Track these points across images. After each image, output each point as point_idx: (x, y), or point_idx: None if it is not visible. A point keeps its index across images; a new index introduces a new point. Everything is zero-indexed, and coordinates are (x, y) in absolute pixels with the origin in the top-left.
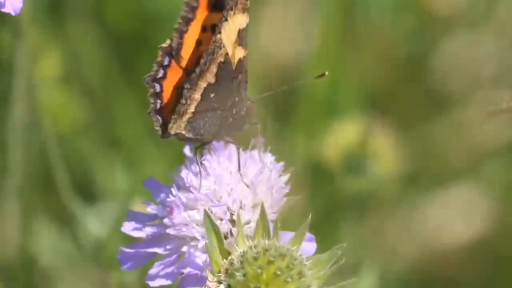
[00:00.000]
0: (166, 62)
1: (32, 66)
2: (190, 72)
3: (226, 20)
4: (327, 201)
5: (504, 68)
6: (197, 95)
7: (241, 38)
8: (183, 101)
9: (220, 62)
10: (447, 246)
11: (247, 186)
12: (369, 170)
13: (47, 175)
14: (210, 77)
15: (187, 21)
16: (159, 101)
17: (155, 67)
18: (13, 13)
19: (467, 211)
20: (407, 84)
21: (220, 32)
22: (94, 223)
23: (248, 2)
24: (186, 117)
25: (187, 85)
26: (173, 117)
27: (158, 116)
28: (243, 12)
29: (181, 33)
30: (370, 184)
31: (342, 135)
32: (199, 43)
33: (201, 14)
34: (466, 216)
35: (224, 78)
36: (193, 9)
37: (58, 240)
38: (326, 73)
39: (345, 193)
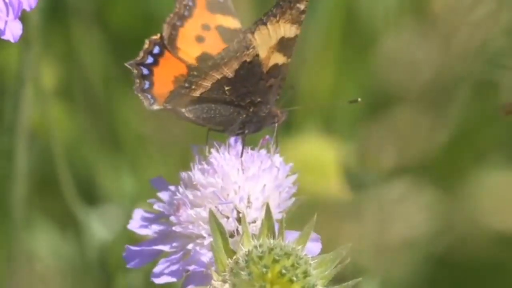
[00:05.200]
0: (156, 51)
1: (38, 74)
2: (194, 67)
3: (265, 24)
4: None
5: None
6: (206, 83)
7: (284, 46)
8: (186, 85)
9: (245, 61)
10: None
11: (242, 172)
12: (369, 181)
13: (51, 180)
14: (227, 71)
15: (182, 17)
16: (147, 82)
17: (141, 54)
18: (12, 40)
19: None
20: (410, 88)
21: (253, 33)
22: (97, 227)
23: (303, 16)
24: (188, 99)
25: (193, 72)
26: (172, 94)
27: (145, 94)
28: (292, 23)
29: (175, 26)
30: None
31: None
32: (200, 39)
33: (200, 13)
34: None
35: (248, 76)
36: (189, 8)
37: (61, 244)
38: (359, 99)
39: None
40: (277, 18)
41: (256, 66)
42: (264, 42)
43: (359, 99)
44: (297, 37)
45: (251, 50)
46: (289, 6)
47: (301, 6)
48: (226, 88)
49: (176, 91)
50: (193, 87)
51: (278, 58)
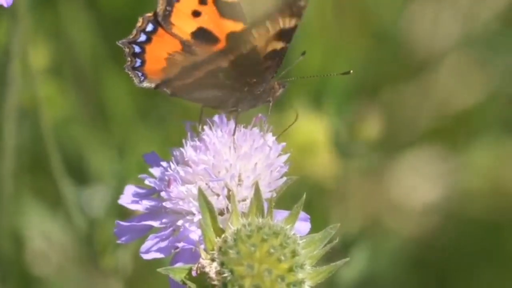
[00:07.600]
0: (150, 28)
1: (27, 51)
2: (189, 43)
3: (263, 23)
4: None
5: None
6: (199, 73)
7: (283, 35)
8: (179, 75)
9: (242, 53)
10: (414, 207)
11: (234, 149)
12: (359, 150)
13: (40, 159)
14: (221, 63)
15: None
16: (138, 60)
17: (133, 32)
18: (5, 5)
19: (432, 173)
20: (385, 53)
21: (250, 31)
22: (86, 205)
23: (303, 10)
24: (181, 83)
25: (185, 61)
26: (164, 79)
27: (136, 72)
28: (292, 17)
29: (170, 1)
30: (359, 162)
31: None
32: (196, 14)
33: None
34: (432, 178)
35: (243, 63)
36: None
37: (50, 222)
38: (351, 71)
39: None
40: (275, 16)
41: (252, 54)
42: (262, 36)
43: (351, 71)
44: (297, 26)
45: (248, 45)
46: (289, 6)
47: (302, 3)
48: (220, 75)
49: (166, 78)
50: (186, 77)
51: (277, 45)
